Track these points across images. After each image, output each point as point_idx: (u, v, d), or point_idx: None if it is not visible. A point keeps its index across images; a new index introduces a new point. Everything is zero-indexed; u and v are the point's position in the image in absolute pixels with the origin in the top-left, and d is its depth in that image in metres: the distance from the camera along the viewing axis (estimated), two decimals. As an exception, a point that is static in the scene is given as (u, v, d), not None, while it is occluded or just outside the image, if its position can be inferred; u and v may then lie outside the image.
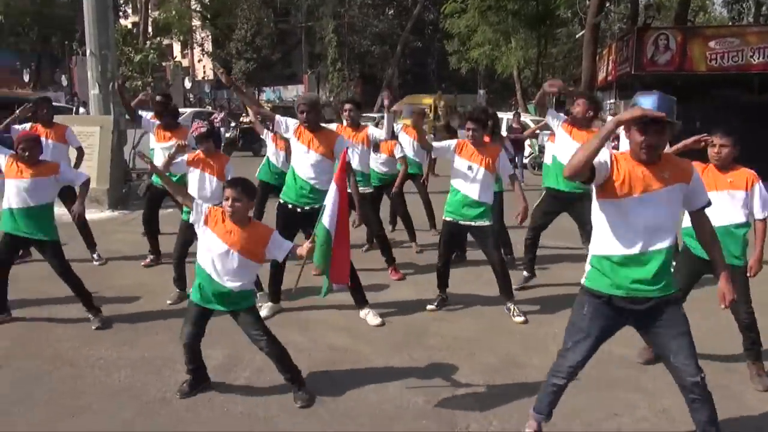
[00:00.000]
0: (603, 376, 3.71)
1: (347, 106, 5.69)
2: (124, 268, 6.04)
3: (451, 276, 5.04)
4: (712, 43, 15.44)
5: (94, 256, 6.14)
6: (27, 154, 4.36)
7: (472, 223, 4.71)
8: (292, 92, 40.51)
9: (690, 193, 2.69)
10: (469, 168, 4.66)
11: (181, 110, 15.34)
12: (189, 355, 3.48)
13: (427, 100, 22.61)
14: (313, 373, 3.75)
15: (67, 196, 5.83)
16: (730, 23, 30.79)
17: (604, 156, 2.64)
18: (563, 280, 5.61)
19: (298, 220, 4.62)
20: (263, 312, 4.50)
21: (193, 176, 4.85)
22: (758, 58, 15.15)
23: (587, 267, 2.83)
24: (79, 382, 3.64)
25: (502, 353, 4.16)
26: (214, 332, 4.37)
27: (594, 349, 2.85)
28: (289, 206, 4.63)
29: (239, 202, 3.22)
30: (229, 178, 3.92)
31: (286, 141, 5.44)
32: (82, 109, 20.39)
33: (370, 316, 4.64)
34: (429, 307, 4.95)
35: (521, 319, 4.72)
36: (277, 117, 4.71)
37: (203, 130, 4.82)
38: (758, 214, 3.62)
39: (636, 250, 2.64)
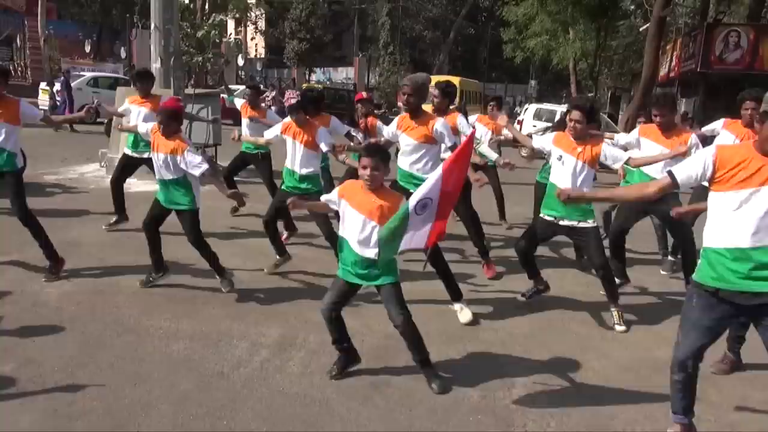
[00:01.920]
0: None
1: (435, 92, 5.23)
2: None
3: (506, 272, 4.95)
4: (787, 42, 14.73)
5: None
6: None
7: (575, 224, 4.44)
8: (342, 74, 40.60)
9: None
10: (560, 158, 4.44)
11: (233, 87, 15.59)
12: (332, 331, 3.51)
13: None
14: (367, 357, 3.75)
15: None
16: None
17: (700, 161, 2.68)
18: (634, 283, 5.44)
19: None
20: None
21: (286, 144, 5.11)
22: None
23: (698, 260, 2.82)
24: (140, 350, 3.73)
25: (558, 352, 4.06)
26: (268, 311, 4.46)
27: (705, 341, 2.83)
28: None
29: (377, 170, 3.26)
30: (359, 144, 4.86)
31: None
32: (139, 82, 20.84)
33: (463, 312, 4.50)
34: (520, 298, 4.87)
35: (622, 328, 4.47)
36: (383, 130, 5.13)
37: (294, 101, 5.00)
38: None
39: (747, 243, 2.58)
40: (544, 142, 4.67)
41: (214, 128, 9.81)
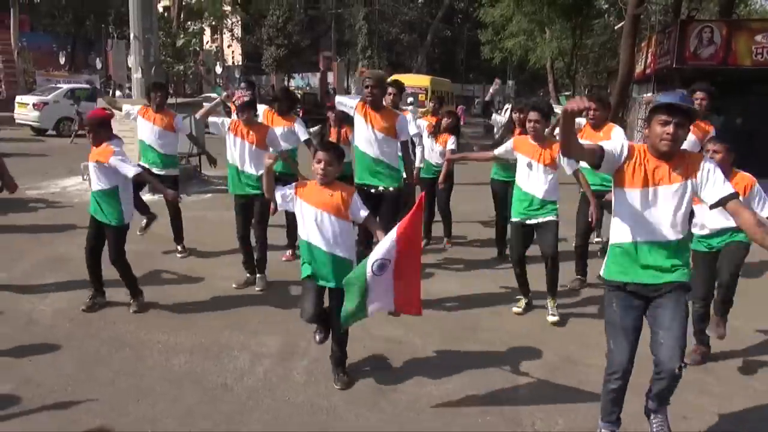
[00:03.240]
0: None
1: (390, 89, 5.44)
2: (169, 255, 6.09)
3: (499, 272, 4.97)
4: (758, 37, 14.96)
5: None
6: None
7: (541, 220, 4.51)
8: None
9: (698, 187, 2.65)
10: (529, 165, 4.49)
11: (214, 95, 15.50)
12: (320, 325, 3.65)
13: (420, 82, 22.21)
14: (370, 362, 3.74)
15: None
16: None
17: (618, 145, 2.74)
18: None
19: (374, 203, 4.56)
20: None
21: (231, 142, 5.00)
22: (807, 54, 14.67)
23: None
24: (140, 366, 3.67)
25: (559, 351, 4.09)
26: (267, 320, 4.42)
27: (634, 341, 2.83)
28: (364, 188, 4.62)
29: (331, 166, 3.34)
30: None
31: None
32: (118, 92, 20.63)
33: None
34: (515, 309, 4.76)
35: (555, 318, 4.55)
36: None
37: (246, 99, 4.93)
38: None
39: (643, 238, 2.72)
40: (505, 151, 4.68)
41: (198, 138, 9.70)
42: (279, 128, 5.51)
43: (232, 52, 46.72)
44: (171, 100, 10.42)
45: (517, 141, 4.64)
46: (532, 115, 4.43)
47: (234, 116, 5.09)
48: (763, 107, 15.14)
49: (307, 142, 5.60)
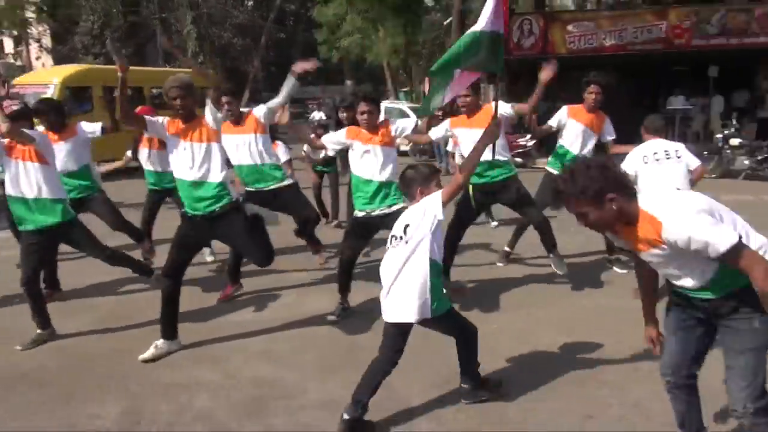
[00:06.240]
0: (567, 373, 3.49)
1: (224, 98, 4.79)
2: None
3: (371, 280, 4.59)
4: (570, 27, 16.33)
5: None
6: None
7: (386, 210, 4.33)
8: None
9: None
10: (367, 151, 4.37)
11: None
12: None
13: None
14: (239, 417, 3.14)
15: None
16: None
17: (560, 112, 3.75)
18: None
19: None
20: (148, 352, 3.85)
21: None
22: (610, 41, 16.24)
23: None
24: None
25: (450, 361, 3.77)
26: (101, 382, 3.58)
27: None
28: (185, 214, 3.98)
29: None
30: None
31: None
32: None
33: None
34: (330, 317, 4.52)
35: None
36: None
37: (15, 108, 4.29)
38: None
39: None
40: (333, 141, 4.59)
41: None
42: (58, 145, 4.80)
43: (43, 64, 41.90)
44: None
45: (350, 131, 4.52)
46: (362, 106, 4.34)
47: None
48: (576, 91, 16.53)
49: None
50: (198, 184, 3.78)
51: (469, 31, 3.23)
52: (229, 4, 39.41)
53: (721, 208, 2.21)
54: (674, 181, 4.31)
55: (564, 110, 5.42)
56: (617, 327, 4.12)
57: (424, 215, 2.93)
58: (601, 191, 2.17)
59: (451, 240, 4.85)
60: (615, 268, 5.58)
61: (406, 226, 2.97)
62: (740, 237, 2.07)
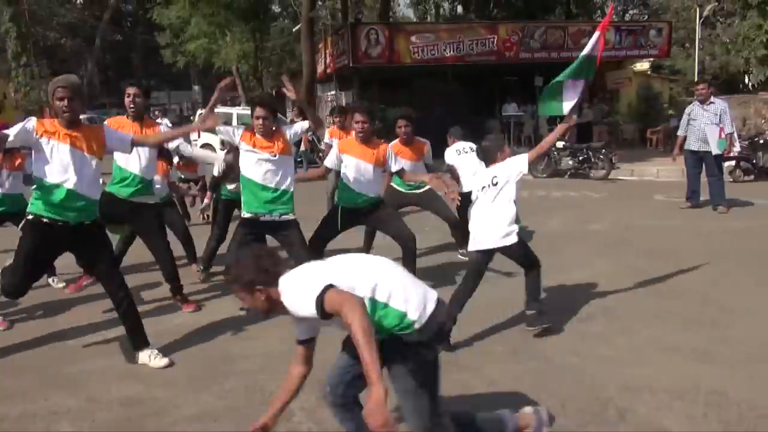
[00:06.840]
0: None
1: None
2: None
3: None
4: (413, 38, 17.24)
5: None
6: None
7: (276, 218, 4.41)
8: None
9: None
10: (269, 159, 4.41)
11: None
12: None
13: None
14: None
15: None
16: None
17: None
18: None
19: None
20: None
21: None
22: (450, 52, 17.43)
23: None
24: None
25: (327, 361, 3.91)
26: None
27: None
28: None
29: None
30: None
31: None
32: None
33: (153, 358, 3.88)
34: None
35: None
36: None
37: None
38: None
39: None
40: (230, 135, 4.48)
41: None
42: None
43: None
44: None
45: (245, 135, 4.41)
46: (258, 111, 4.33)
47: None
48: (422, 98, 17.54)
49: None
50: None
51: (580, 55, 4.39)
52: (55, 2, 36.03)
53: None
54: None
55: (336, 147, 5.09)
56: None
57: (511, 168, 3.96)
58: (252, 282, 2.24)
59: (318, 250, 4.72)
60: (459, 255, 6.12)
61: (494, 177, 3.97)
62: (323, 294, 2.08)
